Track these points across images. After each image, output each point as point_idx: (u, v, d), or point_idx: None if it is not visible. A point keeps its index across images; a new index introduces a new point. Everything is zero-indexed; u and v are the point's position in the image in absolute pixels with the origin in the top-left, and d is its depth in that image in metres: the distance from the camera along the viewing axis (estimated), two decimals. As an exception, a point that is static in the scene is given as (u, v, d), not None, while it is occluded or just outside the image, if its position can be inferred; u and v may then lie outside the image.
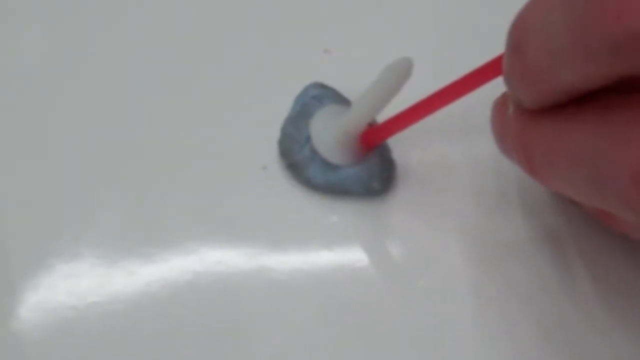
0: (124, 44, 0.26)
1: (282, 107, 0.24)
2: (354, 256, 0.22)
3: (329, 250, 0.22)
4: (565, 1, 0.14)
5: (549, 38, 0.15)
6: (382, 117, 0.22)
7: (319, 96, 0.23)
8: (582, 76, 0.15)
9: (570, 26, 0.14)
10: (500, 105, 0.19)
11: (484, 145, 0.24)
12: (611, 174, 0.15)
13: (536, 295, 0.21)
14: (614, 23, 0.13)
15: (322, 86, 0.24)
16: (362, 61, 0.24)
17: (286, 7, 0.26)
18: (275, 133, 0.23)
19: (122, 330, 0.20)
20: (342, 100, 0.23)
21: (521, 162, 0.18)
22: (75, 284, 0.21)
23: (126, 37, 0.26)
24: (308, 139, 0.22)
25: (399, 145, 0.23)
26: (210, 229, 0.22)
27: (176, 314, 0.21)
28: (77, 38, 0.26)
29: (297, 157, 0.22)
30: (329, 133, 0.22)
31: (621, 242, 0.22)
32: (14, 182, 0.23)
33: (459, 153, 0.23)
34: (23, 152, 0.23)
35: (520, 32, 0.16)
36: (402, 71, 0.20)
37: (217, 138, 0.24)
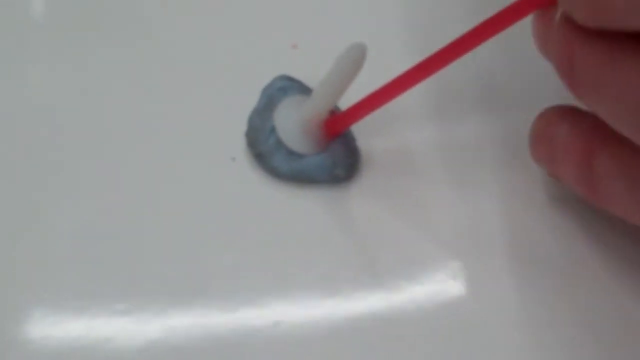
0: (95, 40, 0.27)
1: (251, 100, 0.24)
2: (319, 242, 0.22)
3: (294, 237, 0.22)
4: None
5: None
6: (346, 104, 0.22)
7: (285, 88, 0.24)
8: None
9: None
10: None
11: (449, 131, 0.24)
12: None
13: (511, 284, 0.21)
14: None
15: (288, 78, 0.24)
16: (329, 55, 0.25)
17: (256, 3, 0.27)
18: (244, 125, 0.24)
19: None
20: (307, 92, 0.24)
21: (561, 72, 0.17)
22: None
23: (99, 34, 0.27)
24: (273, 129, 0.23)
25: (363, 132, 0.23)
26: (181, 220, 0.23)
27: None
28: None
29: (263, 147, 0.23)
30: (292, 123, 0.23)
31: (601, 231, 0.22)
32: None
33: (423, 139, 0.24)
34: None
35: None
36: (355, 57, 0.20)
37: (188, 130, 0.24)
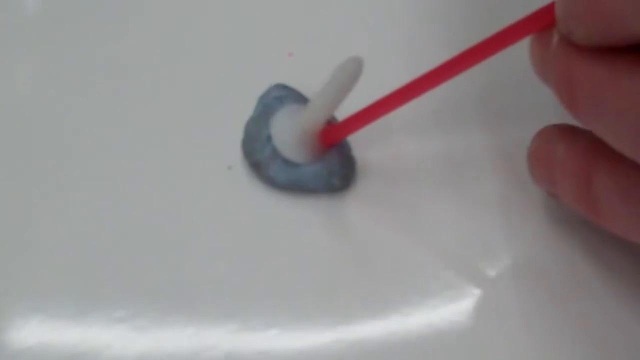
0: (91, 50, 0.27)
1: (248, 108, 0.24)
2: (315, 251, 0.22)
3: (290, 246, 0.22)
4: None
5: None
6: (343, 114, 0.23)
7: (281, 97, 0.24)
8: None
9: None
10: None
11: (445, 142, 0.24)
12: None
13: (508, 293, 0.22)
14: None
15: (284, 87, 0.24)
16: (326, 64, 0.25)
17: (252, 12, 0.27)
18: (240, 133, 0.24)
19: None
20: (303, 101, 0.24)
21: (560, 94, 0.17)
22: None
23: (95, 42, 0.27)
24: (269, 138, 0.23)
25: (359, 142, 0.24)
26: (178, 228, 0.23)
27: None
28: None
29: (259, 156, 0.23)
30: (288, 132, 0.23)
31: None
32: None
33: (419, 150, 0.24)
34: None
35: None
36: (352, 71, 0.21)
37: (184, 138, 0.24)
